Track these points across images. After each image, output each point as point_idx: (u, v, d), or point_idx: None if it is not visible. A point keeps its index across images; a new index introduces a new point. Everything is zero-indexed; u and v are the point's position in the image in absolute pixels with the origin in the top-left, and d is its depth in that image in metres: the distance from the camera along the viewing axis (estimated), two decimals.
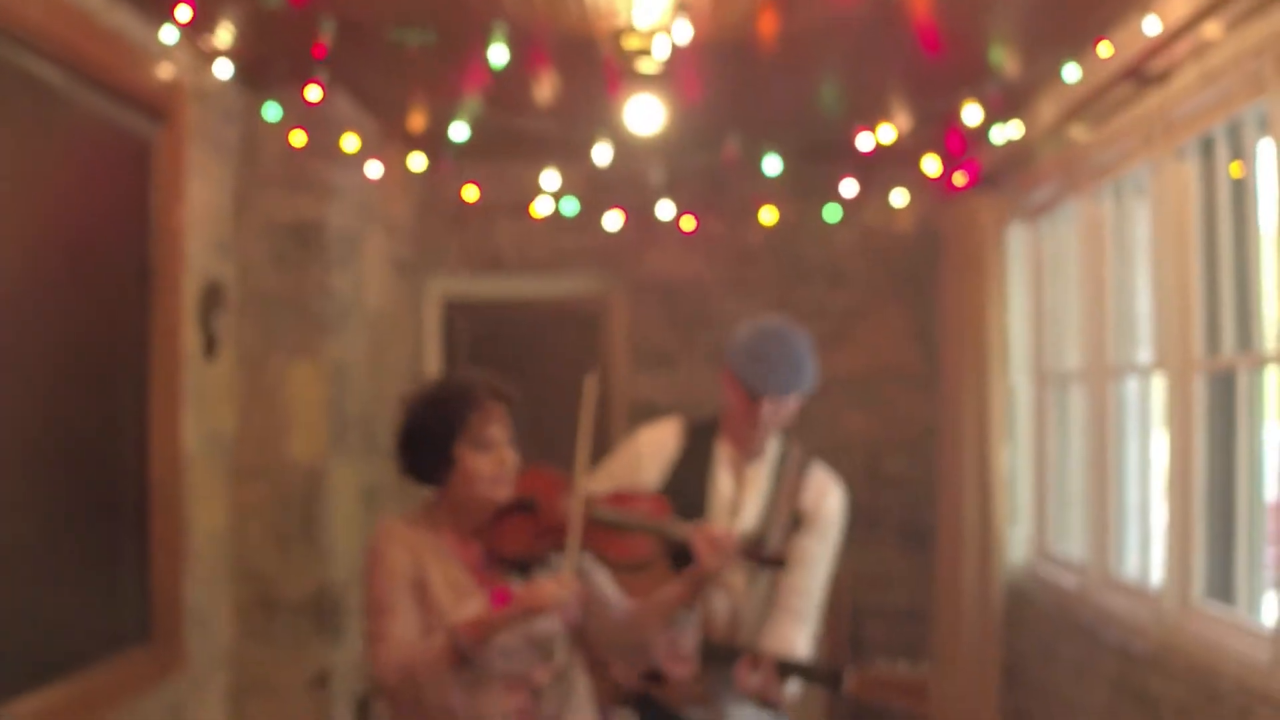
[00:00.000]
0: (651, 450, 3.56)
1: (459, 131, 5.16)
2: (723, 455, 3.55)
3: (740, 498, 3.52)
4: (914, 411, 6.76)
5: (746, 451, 3.55)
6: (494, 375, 2.94)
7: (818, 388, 3.45)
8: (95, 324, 4.03)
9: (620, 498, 3.06)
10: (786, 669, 3.31)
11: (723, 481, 3.52)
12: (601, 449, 3.40)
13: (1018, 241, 6.00)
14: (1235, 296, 3.93)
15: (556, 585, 2.69)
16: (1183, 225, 4.12)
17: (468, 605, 2.77)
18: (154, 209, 4.38)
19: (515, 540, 2.93)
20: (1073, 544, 5.34)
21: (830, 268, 6.78)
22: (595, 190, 6.70)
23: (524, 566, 2.91)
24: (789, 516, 3.57)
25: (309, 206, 5.19)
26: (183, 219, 4.52)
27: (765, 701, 3.29)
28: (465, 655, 2.63)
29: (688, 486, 3.44)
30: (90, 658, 3.94)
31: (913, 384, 6.77)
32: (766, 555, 3.02)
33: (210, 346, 4.82)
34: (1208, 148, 4.07)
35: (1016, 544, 5.90)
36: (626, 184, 6.72)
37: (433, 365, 6.91)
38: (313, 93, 4.59)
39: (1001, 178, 5.95)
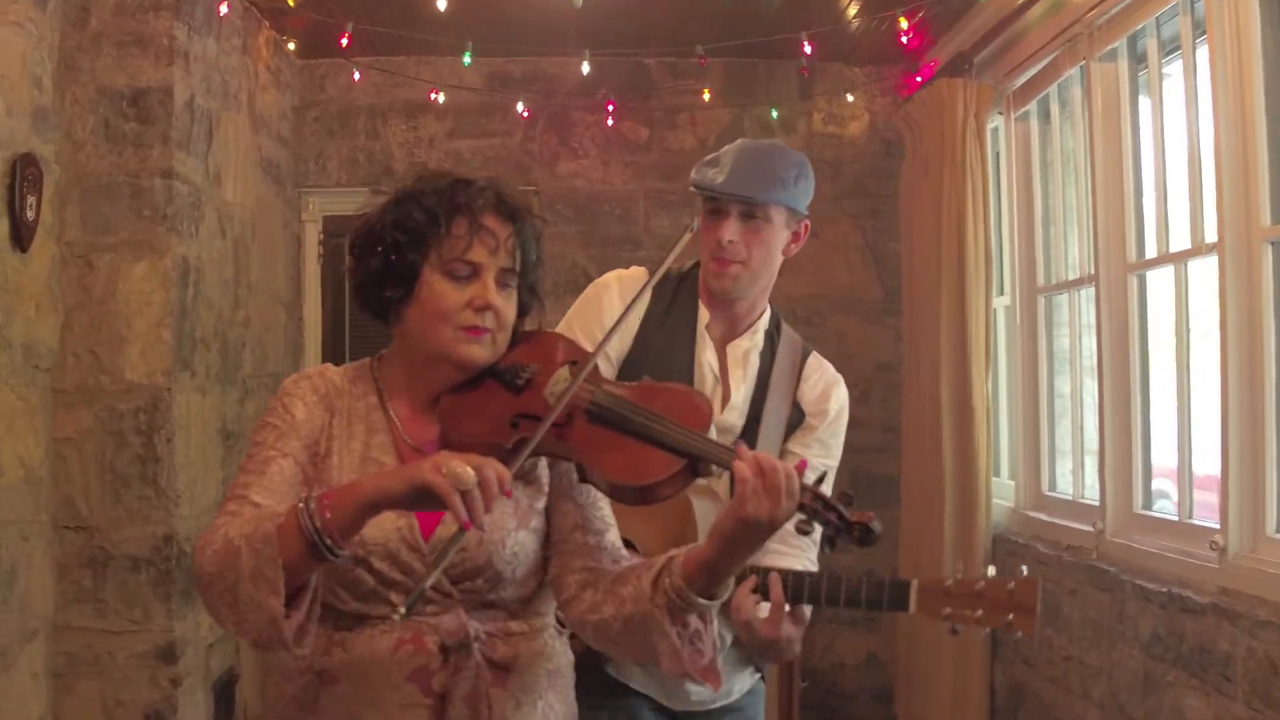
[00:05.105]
0: (622, 297, 2.62)
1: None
2: (704, 323, 2.67)
3: (726, 380, 2.65)
4: (867, 345, 5.96)
5: (730, 319, 2.67)
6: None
7: None
8: None
9: (644, 389, 1.98)
10: (810, 590, 2.38)
11: (707, 356, 2.64)
12: None
13: (999, 135, 5.19)
14: None
15: (470, 464, 1.66)
16: (1243, 66, 3.31)
17: None
18: None
19: (480, 420, 1.93)
20: (1077, 484, 4.50)
21: None
22: (502, 86, 5.81)
23: None
24: (786, 412, 2.69)
25: (151, 71, 4.22)
26: None
27: (768, 644, 2.34)
28: (318, 540, 1.64)
29: (666, 357, 2.56)
30: None
31: (865, 313, 5.98)
32: (849, 518, 1.76)
33: (21, 236, 3.83)
34: None
35: (1000, 490, 5.07)
36: (537, 80, 5.86)
37: (312, 292, 5.93)
38: None
39: (976, 66, 5.13)
